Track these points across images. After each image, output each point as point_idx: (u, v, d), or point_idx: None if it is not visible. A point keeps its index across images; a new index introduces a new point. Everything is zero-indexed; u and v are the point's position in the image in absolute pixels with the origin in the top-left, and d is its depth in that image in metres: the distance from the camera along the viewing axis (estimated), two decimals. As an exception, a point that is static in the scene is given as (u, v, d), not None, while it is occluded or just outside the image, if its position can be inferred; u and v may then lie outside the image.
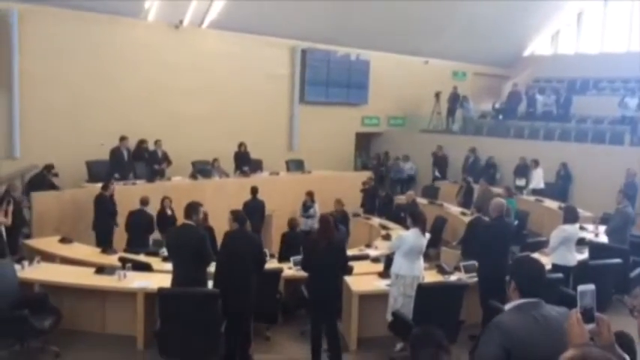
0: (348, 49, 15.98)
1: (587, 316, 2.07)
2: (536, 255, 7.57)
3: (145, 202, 9.07)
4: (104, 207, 9.19)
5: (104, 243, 8.70)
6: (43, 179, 10.27)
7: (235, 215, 5.68)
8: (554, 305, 2.87)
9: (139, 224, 8.85)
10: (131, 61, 12.26)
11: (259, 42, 14.23)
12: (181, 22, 12.94)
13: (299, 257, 7.43)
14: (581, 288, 2.14)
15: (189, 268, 5.56)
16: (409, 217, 6.38)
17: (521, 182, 13.53)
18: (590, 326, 2.06)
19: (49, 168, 10.43)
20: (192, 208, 5.77)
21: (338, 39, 15.43)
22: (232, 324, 5.43)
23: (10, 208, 7.61)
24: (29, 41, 10.80)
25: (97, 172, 11.16)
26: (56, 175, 10.56)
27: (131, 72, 12.26)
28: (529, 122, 15.96)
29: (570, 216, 7.23)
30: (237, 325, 5.49)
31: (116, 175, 10.88)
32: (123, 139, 11.36)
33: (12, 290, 5.72)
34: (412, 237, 6.01)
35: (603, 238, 8.77)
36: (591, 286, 2.16)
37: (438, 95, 16.86)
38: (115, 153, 11.32)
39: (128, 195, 9.90)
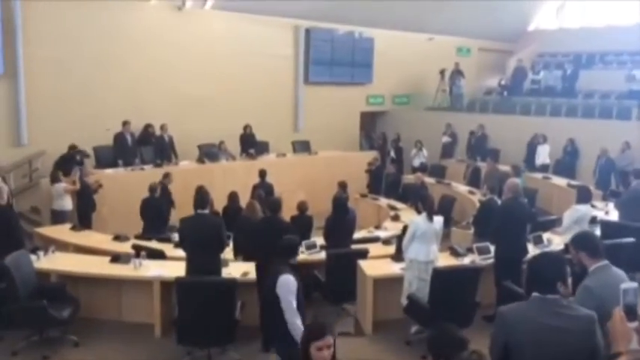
0: (352, 27, 15.80)
1: (631, 314, 2.07)
2: (548, 234, 7.64)
3: (152, 189, 8.65)
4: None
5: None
6: (72, 160, 10.09)
7: (268, 203, 6.15)
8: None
9: (151, 212, 8.63)
10: (135, 43, 12.11)
11: (262, 22, 14.04)
12: (184, 3, 12.78)
13: (311, 241, 7.49)
14: (623, 286, 2.14)
15: (205, 256, 5.61)
16: (419, 201, 6.40)
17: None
18: (634, 324, 2.05)
19: (74, 147, 10.30)
20: (203, 198, 5.82)
21: (341, 17, 15.19)
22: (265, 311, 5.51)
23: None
24: (33, 27, 10.67)
25: (104, 158, 11.18)
26: (87, 155, 10.57)
27: (135, 55, 12.13)
28: (535, 98, 15.82)
29: (583, 196, 7.24)
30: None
31: (119, 162, 10.92)
32: (125, 123, 11.34)
33: (30, 281, 5.75)
34: (422, 221, 6.01)
35: (613, 216, 8.76)
36: (634, 284, 2.16)
37: (442, 72, 16.71)
38: (119, 138, 11.31)
39: (136, 181, 9.90)
